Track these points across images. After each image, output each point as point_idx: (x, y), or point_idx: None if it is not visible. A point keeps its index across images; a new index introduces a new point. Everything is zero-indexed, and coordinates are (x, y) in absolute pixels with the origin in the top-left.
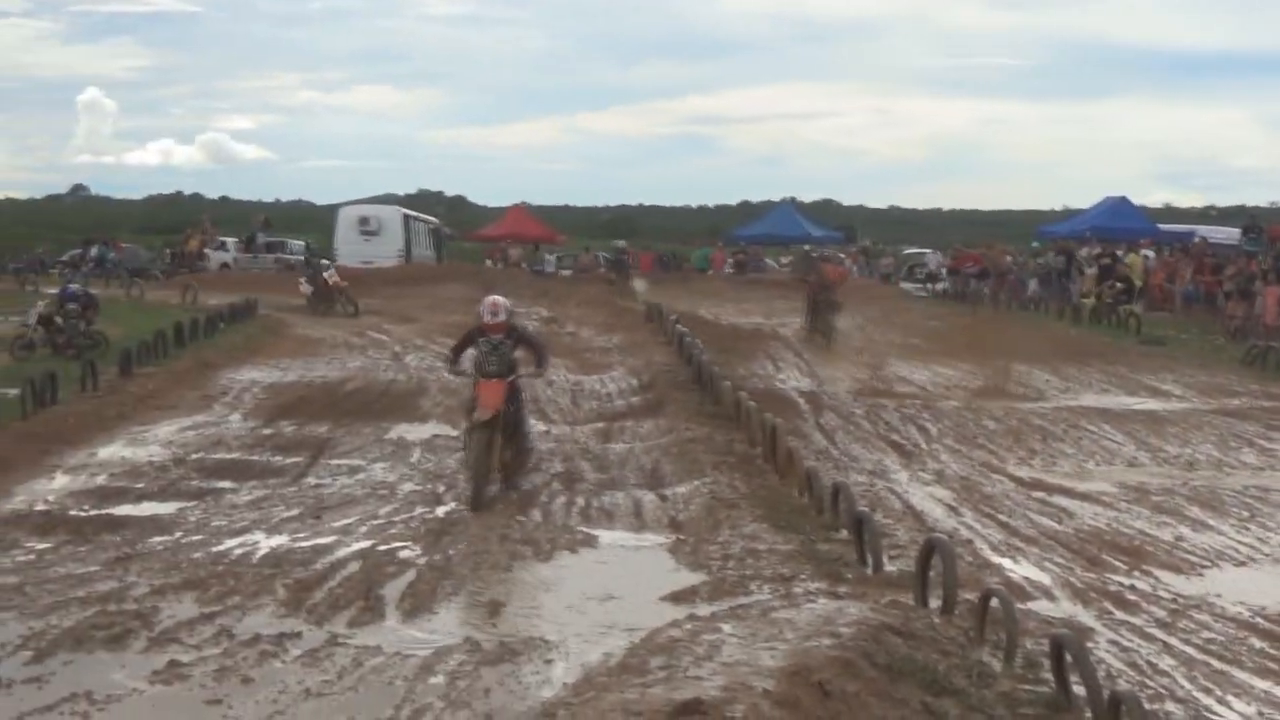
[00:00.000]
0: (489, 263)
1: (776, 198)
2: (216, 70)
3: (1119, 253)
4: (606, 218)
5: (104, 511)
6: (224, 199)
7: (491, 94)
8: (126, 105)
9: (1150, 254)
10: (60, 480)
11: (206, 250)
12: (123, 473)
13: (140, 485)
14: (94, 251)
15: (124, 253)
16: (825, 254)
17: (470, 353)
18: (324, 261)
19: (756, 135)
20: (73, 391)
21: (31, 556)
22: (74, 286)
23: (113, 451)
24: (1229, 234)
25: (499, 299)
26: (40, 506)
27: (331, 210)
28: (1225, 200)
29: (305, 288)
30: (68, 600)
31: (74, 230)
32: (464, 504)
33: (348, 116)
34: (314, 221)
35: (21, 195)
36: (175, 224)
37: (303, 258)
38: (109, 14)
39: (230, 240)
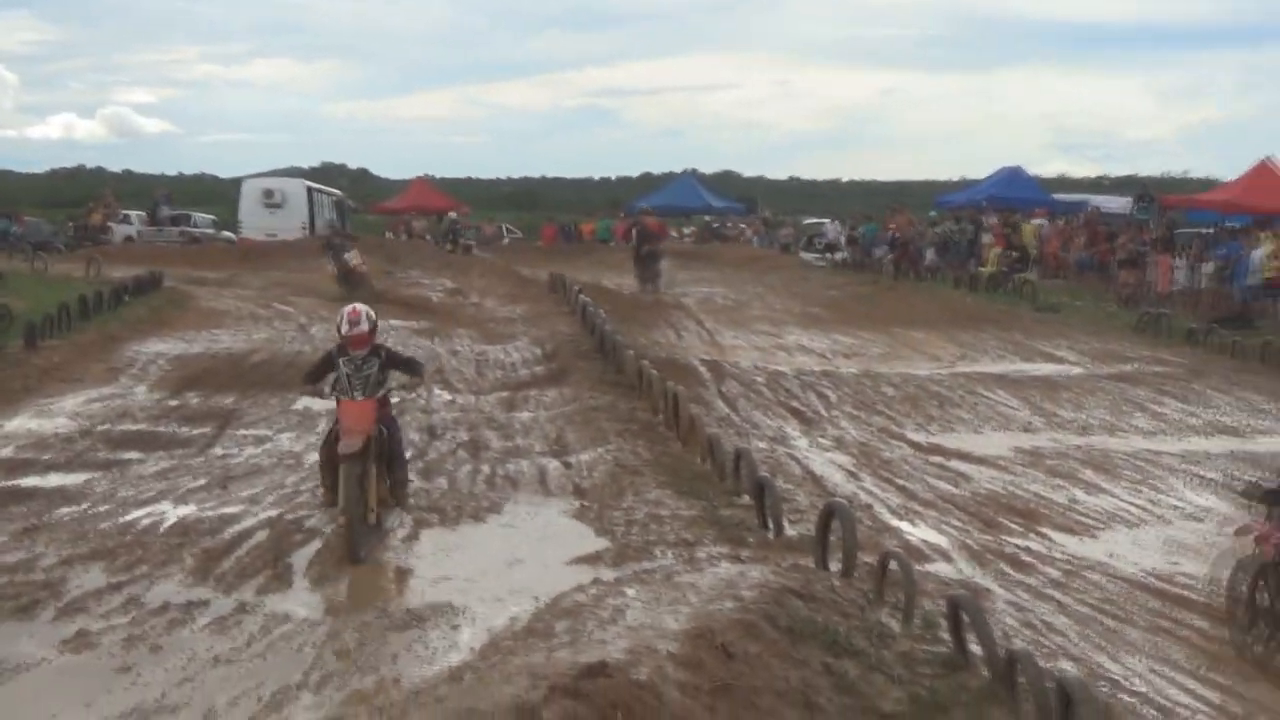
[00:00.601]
0: (389, 235)
1: (678, 169)
2: (116, 43)
3: (1017, 222)
4: (509, 190)
5: (11, 483)
6: (127, 173)
7: (394, 66)
8: (26, 79)
9: (1044, 223)
10: None
11: (110, 224)
12: (29, 444)
13: (47, 457)
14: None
15: (27, 226)
16: (644, 209)
17: (330, 376)
18: (343, 243)
19: (657, 107)
20: None
21: None
22: None
23: (18, 424)
24: (1121, 203)
25: (360, 307)
26: None
27: (235, 184)
28: (1118, 170)
29: (331, 268)
30: None
31: None
32: (339, 554)
33: (249, 90)
34: (218, 195)
35: None
36: (78, 198)
37: (324, 239)
38: None
39: (135, 214)
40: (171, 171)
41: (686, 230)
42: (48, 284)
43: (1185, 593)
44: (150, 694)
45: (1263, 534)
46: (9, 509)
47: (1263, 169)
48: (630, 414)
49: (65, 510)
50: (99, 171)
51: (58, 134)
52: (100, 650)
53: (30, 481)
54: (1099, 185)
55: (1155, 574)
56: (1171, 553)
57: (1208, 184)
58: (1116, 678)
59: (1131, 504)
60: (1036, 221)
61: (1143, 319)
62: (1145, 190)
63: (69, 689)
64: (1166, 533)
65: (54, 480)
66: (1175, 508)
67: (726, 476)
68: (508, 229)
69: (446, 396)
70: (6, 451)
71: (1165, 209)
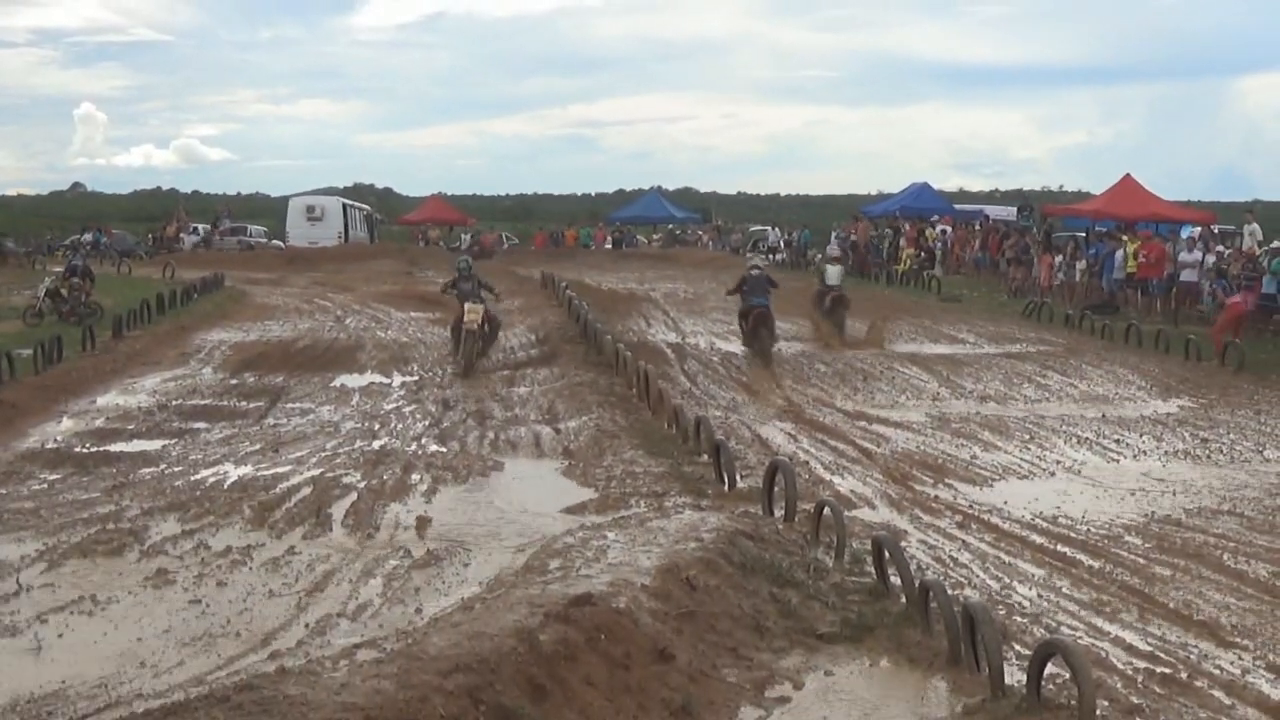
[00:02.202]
0: (420, 243)
1: (646, 186)
2: (187, 88)
3: (924, 228)
4: (507, 204)
5: (102, 449)
6: (196, 193)
7: (411, 104)
8: (114, 117)
9: (948, 229)
10: (66, 424)
11: (182, 235)
12: (117, 417)
13: (131, 427)
14: (89, 236)
15: (114, 238)
16: (479, 229)
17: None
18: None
19: (629, 135)
20: (75, 351)
21: (44, 486)
22: (77, 261)
23: (108, 400)
24: (1010, 212)
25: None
26: (50, 445)
27: (283, 200)
28: (1007, 185)
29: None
30: (74, 521)
31: (74, 220)
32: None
33: (294, 124)
34: (269, 210)
35: (30, 192)
36: (156, 214)
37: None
38: (99, 43)
39: (201, 226)
40: (231, 191)
41: (655, 236)
42: (131, 285)
43: (1067, 532)
44: (216, 621)
45: None
46: (100, 469)
47: (1125, 183)
48: (609, 388)
49: (146, 470)
50: (173, 192)
51: (139, 162)
52: (176, 586)
53: (117, 447)
54: (992, 197)
55: (1042, 516)
56: (1055, 499)
57: (1080, 196)
58: (1011, 603)
59: (1022, 459)
60: (941, 228)
61: (1029, 307)
62: (1027, 202)
63: (151, 617)
64: (1051, 483)
65: (137, 446)
66: (1058, 462)
67: (689, 439)
68: (506, 236)
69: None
70: (99, 422)
71: (1045, 217)
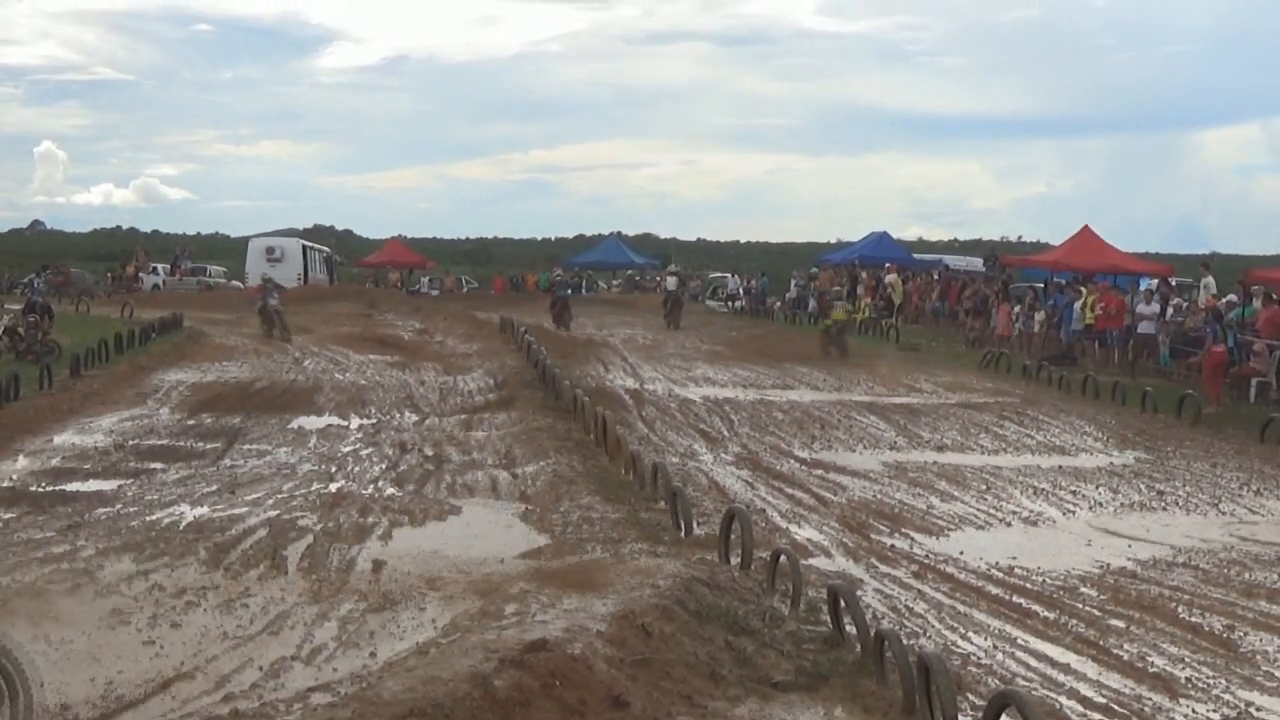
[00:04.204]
0: (369, 285)
1: (606, 232)
2: (148, 128)
3: (884, 277)
4: (468, 248)
5: (58, 487)
6: (155, 232)
7: (371, 146)
8: (74, 155)
9: (894, 277)
10: (22, 462)
11: (141, 274)
12: (73, 456)
13: (87, 466)
14: (46, 275)
15: (71, 276)
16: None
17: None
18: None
19: (588, 181)
20: (32, 389)
21: None
22: (37, 299)
23: (65, 438)
24: (970, 261)
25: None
26: (5, 484)
27: (243, 241)
28: (966, 235)
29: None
30: (29, 560)
31: (33, 258)
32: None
33: (255, 165)
34: (229, 251)
35: None
36: (115, 252)
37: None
38: (60, 81)
39: (161, 266)
40: (191, 231)
41: (615, 282)
42: (89, 323)
43: (1022, 582)
44: (170, 662)
45: None
46: (56, 509)
47: (1084, 235)
48: (567, 433)
49: (102, 510)
50: (132, 231)
51: (99, 200)
52: (131, 626)
53: (73, 486)
54: (950, 247)
55: (998, 567)
56: (1011, 549)
57: (1038, 246)
58: (966, 653)
59: (978, 509)
60: (890, 278)
61: (986, 357)
62: (993, 252)
63: (105, 657)
64: (1007, 533)
65: (93, 485)
66: (1014, 512)
67: (646, 485)
68: (466, 280)
69: (415, 418)
70: (55, 461)
71: (1004, 267)
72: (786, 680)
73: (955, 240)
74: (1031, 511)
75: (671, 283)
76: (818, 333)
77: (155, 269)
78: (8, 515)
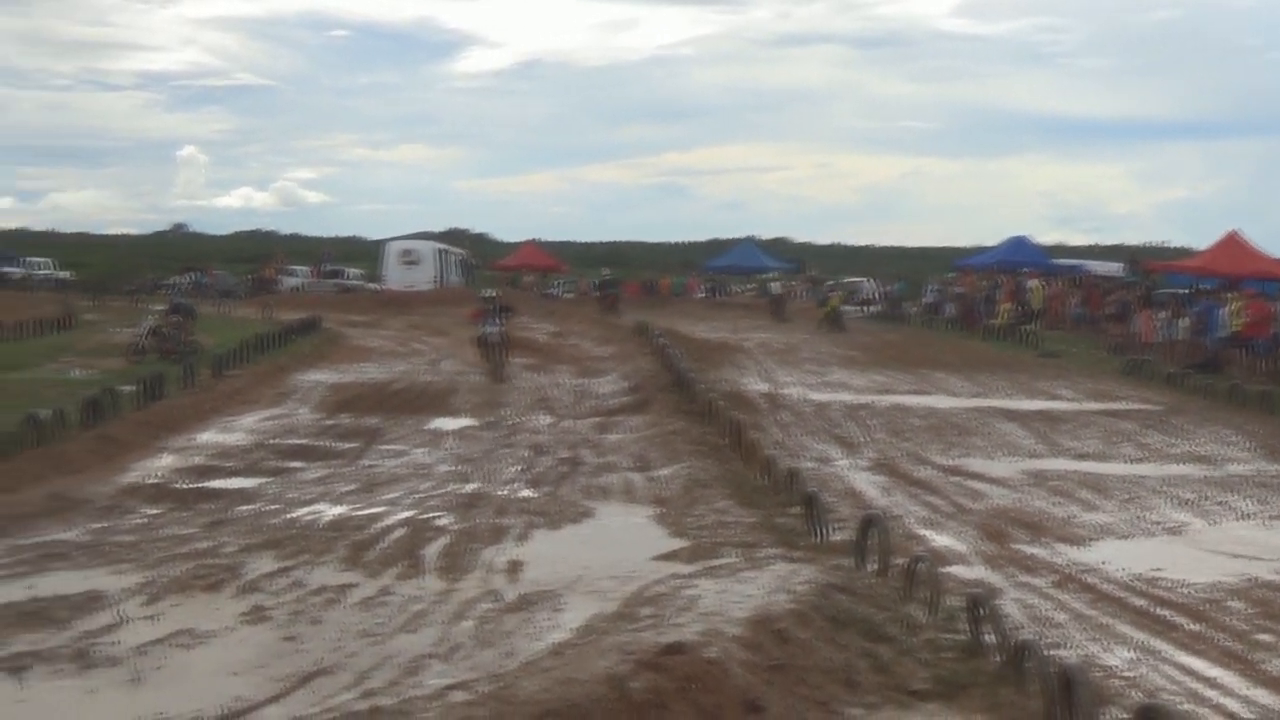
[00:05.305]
0: (505, 288)
1: (739, 236)
2: (287, 132)
3: (1024, 283)
4: (601, 251)
5: (201, 485)
6: (294, 235)
7: (506, 150)
8: (216, 160)
9: (1037, 282)
10: (166, 459)
11: (280, 276)
12: (216, 454)
13: (230, 464)
14: (189, 278)
15: (215, 278)
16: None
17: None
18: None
19: (722, 185)
20: (176, 388)
21: (145, 520)
22: (181, 300)
23: (208, 437)
24: (1110, 267)
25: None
26: (151, 480)
27: (380, 244)
28: (1106, 240)
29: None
30: (174, 555)
31: (176, 260)
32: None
33: (392, 169)
34: (366, 254)
35: (134, 232)
36: (255, 255)
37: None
38: (202, 87)
39: (300, 268)
40: (329, 234)
41: (748, 286)
42: (231, 324)
43: (1167, 594)
44: (311, 659)
45: None
46: (200, 506)
47: (1230, 240)
48: (701, 437)
49: (244, 508)
50: (272, 234)
51: (239, 204)
52: (272, 622)
53: (216, 484)
54: (1091, 252)
55: (1141, 578)
56: (1155, 560)
57: (1183, 252)
58: (1109, 665)
59: (1121, 519)
60: (1032, 283)
61: (1129, 364)
62: (1134, 256)
63: (246, 654)
64: (1150, 544)
65: (235, 483)
66: (1158, 522)
67: (781, 491)
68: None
69: (550, 420)
70: (198, 459)
71: (1149, 272)
72: (924, 688)
73: (1095, 245)
74: (1176, 522)
75: (775, 287)
76: (821, 319)
77: (294, 271)
78: (153, 511)
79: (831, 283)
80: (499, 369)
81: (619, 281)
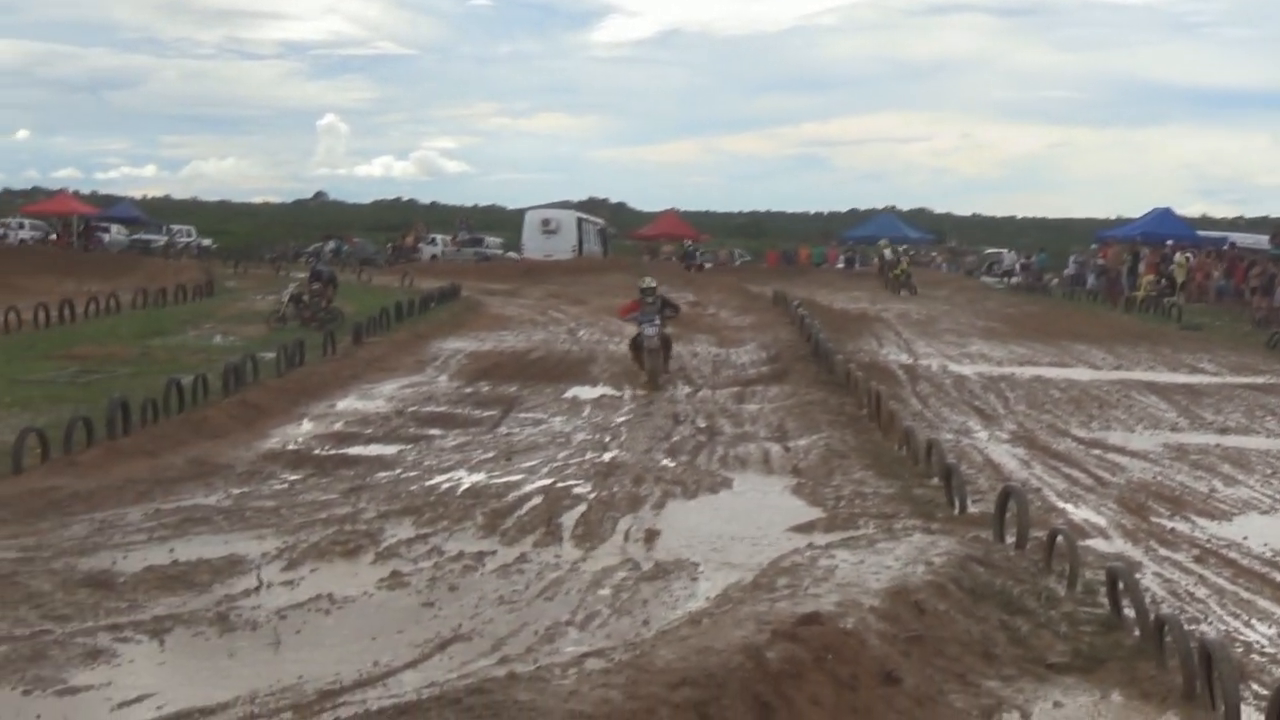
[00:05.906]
0: (646, 257)
1: (879, 206)
2: (427, 101)
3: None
4: (740, 221)
5: (340, 451)
6: (433, 204)
7: (645, 119)
8: (357, 128)
9: (1189, 256)
10: (306, 426)
11: (420, 244)
12: (355, 421)
13: (369, 431)
14: (331, 245)
15: (355, 246)
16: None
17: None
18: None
19: (862, 155)
20: (316, 355)
21: (285, 486)
22: (322, 267)
23: (347, 404)
24: (1257, 239)
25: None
26: (291, 446)
27: (519, 213)
28: (1252, 212)
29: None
30: (313, 521)
31: (316, 228)
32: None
33: (531, 138)
34: (505, 222)
35: (275, 200)
36: (395, 223)
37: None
38: (343, 56)
39: (439, 237)
40: (468, 203)
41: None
42: (370, 292)
43: None
44: (448, 625)
45: None
46: (339, 472)
47: None
48: (839, 408)
49: (382, 474)
50: (411, 203)
51: (379, 173)
52: (410, 588)
53: (355, 450)
54: (1236, 224)
55: None
56: None
57: None
58: (1249, 641)
59: (1264, 494)
60: (1178, 257)
61: (1273, 338)
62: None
63: (385, 619)
64: None
65: (374, 450)
66: None
67: (919, 462)
68: (739, 253)
69: (688, 389)
70: (338, 426)
71: None
72: (1062, 662)
73: (1240, 217)
74: None
75: (888, 254)
76: (889, 279)
77: (434, 239)
78: (294, 477)
79: (904, 248)
80: (655, 376)
81: (696, 251)
